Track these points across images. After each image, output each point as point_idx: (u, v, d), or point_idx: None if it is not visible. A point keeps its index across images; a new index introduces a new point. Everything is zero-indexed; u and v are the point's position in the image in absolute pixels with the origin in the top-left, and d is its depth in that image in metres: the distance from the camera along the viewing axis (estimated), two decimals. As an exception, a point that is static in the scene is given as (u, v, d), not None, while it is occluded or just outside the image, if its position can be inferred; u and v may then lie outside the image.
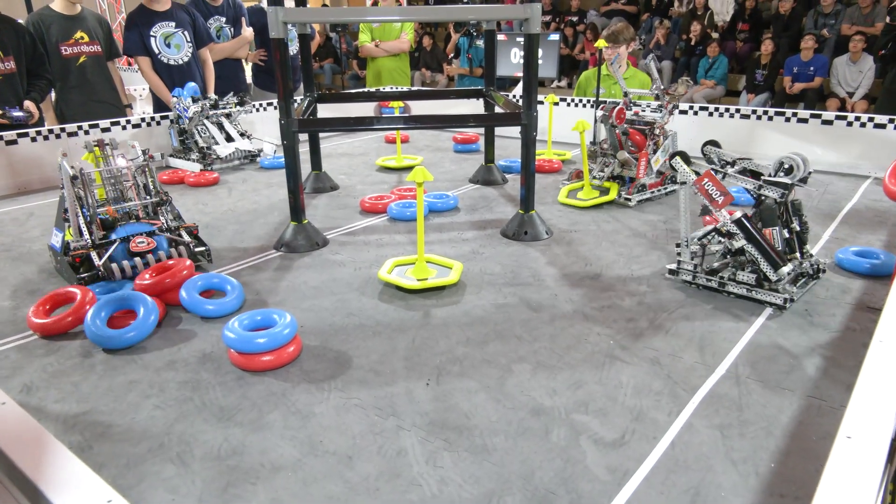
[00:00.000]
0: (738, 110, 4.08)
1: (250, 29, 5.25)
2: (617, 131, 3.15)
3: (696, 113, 4.21)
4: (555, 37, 5.96)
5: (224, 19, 5.07)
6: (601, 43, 4.53)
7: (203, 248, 2.44)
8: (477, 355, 1.76)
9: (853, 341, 1.80)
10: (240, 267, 2.43)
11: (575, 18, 11.30)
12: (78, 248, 2.22)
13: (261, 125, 4.78)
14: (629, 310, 2.02)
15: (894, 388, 1.04)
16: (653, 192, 3.22)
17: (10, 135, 3.59)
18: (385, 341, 1.85)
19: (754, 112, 4.01)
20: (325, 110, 4.64)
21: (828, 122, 3.73)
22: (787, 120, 3.89)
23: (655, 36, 10.25)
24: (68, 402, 1.56)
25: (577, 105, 4.69)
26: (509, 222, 2.77)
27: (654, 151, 3.13)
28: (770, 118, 3.95)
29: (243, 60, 5.57)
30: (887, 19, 8.03)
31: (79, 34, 4.26)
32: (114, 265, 2.20)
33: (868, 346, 1.16)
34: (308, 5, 3.46)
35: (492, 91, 3.49)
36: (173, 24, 4.57)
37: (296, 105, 2.82)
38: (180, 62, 4.64)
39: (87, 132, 3.85)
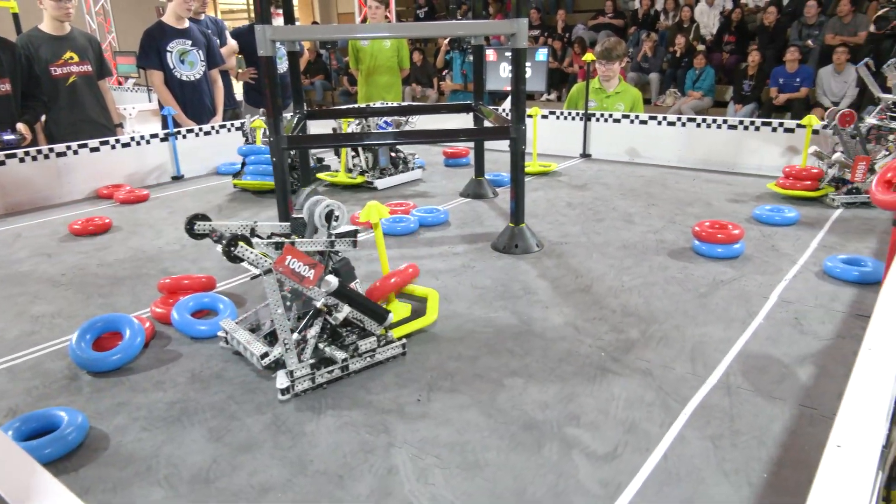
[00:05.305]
0: (725, 121, 4.11)
1: (234, 41, 5.45)
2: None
3: (683, 124, 4.24)
4: (542, 54, 6.00)
5: (209, 32, 5.21)
6: (589, 56, 4.58)
7: None
8: (468, 370, 1.75)
9: (844, 349, 1.80)
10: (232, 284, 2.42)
11: (565, 35, 11.40)
12: None
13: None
14: (620, 321, 2.02)
15: (884, 395, 1.04)
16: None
17: (-2, 156, 3.58)
18: (376, 357, 1.83)
19: (741, 122, 4.05)
20: (316, 127, 4.66)
21: (815, 132, 3.77)
22: (774, 130, 3.93)
23: (643, 49, 10.37)
24: (54, 426, 1.54)
25: (565, 118, 4.73)
26: (500, 235, 2.78)
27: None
28: (757, 128, 3.99)
29: (233, 78, 5.66)
30: (872, 28, 8.14)
31: (68, 54, 4.28)
32: None
33: (858, 354, 1.16)
34: (298, 23, 3.47)
35: (481, 105, 3.51)
36: (189, 42, 4.72)
37: (285, 122, 2.82)
38: (192, 79, 4.76)
39: (76, 152, 3.84)
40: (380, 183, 3.91)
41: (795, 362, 1.74)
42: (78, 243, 2.99)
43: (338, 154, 4.10)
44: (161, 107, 4.71)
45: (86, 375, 1.77)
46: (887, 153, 3.19)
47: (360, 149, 3.91)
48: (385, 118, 4.04)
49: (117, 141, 4.06)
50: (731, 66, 9.65)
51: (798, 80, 8.56)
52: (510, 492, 1.28)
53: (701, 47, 9.89)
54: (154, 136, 4.24)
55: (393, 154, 4.05)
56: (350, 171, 3.99)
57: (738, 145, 4.07)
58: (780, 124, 3.92)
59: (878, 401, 1.02)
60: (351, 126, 4.05)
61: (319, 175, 4.00)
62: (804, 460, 1.34)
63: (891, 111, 3.30)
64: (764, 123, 3.97)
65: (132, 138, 4.16)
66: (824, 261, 2.38)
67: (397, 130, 3.94)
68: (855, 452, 0.90)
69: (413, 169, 4.12)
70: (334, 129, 4.16)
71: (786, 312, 2.04)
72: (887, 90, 3.35)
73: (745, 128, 4.02)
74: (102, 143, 3.98)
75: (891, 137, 3.18)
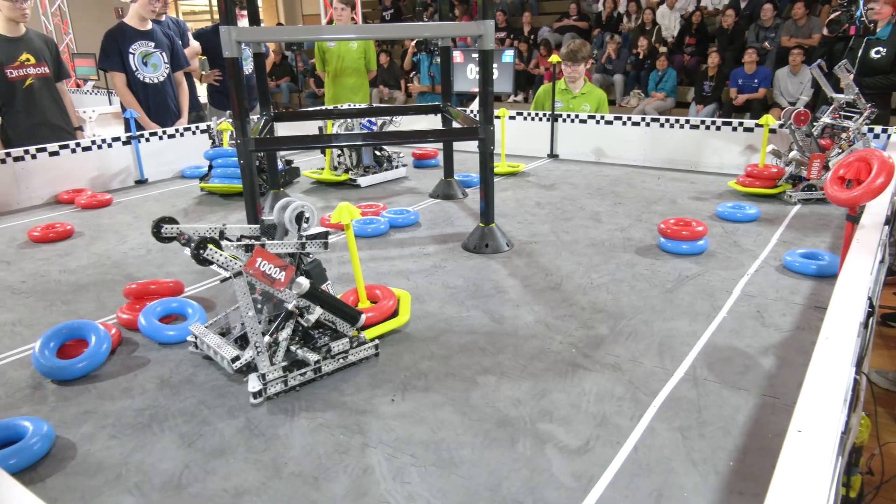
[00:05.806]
0: (687, 121, 4.21)
1: (196, 42, 5.42)
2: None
3: (647, 124, 4.33)
4: (509, 55, 6.06)
5: (172, 33, 5.16)
6: (555, 58, 4.64)
7: None
8: (441, 369, 1.76)
9: (803, 340, 1.87)
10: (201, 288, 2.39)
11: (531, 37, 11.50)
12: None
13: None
14: (590, 318, 2.06)
15: (841, 382, 1.08)
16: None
17: (-49, 161, 3.46)
18: (349, 359, 1.83)
19: (703, 122, 4.15)
20: (283, 129, 4.62)
21: (772, 131, 3.89)
22: (734, 129, 4.04)
23: (607, 51, 10.53)
24: (18, 436, 1.50)
25: (532, 119, 4.78)
26: (470, 235, 2.80)
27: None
28: (718, 128, 4.09)
29: (196, 81, 5.58)
30: (825, 31, 8.42)
31: (24, 56, 4.16)
32: None
33: (816, 344, 1.20)
34: (262, 24, 3.45)
35: (448, 106, 3.53)
36: (153, 43, 4.64)
37: (252, 124, 2.80)
38: (156, 81, 4.68)
39: (34, 156, 3.73)
40: (363, 181, 3.93)
41: (758, 353, 1.79)
42: (38, 250, 2.91)
43: (323, 152, 4.14)
44: (123, 109, 4.61)
45: (50, 384, 1.73)
46: (840, 150, 3.31)
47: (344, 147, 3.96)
48: (369, 118, 4.07)
49: (77, 144, 3.96)
50: (692, 68, 9.87)
51: (756, 80, 8.80)
52: (485, 487, 1.29)
53: (663, 49, 10.11)
54: (116, 139, 4.15)
55: (378, 153, 4.11)
56: (335, 168, 4.03)
57: (699, 145, 4.17)
58: (740, 124, 4.03)
59: (835, 388, 1.07)
60: (335, 126, 4.07)
61: (305, 173, 4.03)
62: (768, 447, 1.39)
63: (843, 110, 3.43)
64: (724, 123, 4.07)
65: (93, 142, 4.06)
66: (784, 255, 2.46)
67: (367, 132, 3.94)
68: (815, 436, 0.93)
69: (397, 167, 4.15)
70: (320, 129, 4.18)
71: (748, 306, 2.11)
72: (839, 90, 3.47)
73: (707, 128, 4.12)
74: (62, 146, 3.88)
75: (843, 135, 3.30)
